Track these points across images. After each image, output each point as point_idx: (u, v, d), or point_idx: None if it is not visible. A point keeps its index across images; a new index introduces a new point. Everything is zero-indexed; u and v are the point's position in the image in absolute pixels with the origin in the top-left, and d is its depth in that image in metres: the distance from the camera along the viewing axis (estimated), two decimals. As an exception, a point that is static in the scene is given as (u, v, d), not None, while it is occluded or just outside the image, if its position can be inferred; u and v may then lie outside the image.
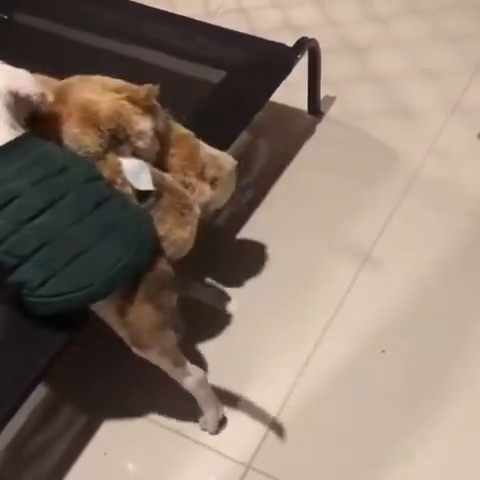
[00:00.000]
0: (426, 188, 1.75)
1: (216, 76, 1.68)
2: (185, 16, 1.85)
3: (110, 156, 1.27)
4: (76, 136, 1.26)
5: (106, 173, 1.26)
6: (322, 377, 1.45)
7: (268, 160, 1.85)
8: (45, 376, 1.25)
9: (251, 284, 1.60)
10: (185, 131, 1.40)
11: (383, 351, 1.47)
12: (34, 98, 1.23)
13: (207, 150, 1.40)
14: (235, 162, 1.42)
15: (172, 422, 1.41)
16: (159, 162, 1.35)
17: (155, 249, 1.23)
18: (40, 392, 1.43)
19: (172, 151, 1.37)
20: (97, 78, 1.33)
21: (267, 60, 1.70)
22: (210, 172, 1.37)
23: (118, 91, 1.30)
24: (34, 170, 1.17)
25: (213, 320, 1.53)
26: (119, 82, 1.33)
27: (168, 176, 1.33)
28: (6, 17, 1.81)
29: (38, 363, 1.22)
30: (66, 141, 1.27)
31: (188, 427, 1.40)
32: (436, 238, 1.65)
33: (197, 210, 1.34)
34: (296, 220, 1.71)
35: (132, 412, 1.43)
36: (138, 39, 1.79)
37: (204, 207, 1.37)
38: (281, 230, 1.69)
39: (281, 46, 1.72)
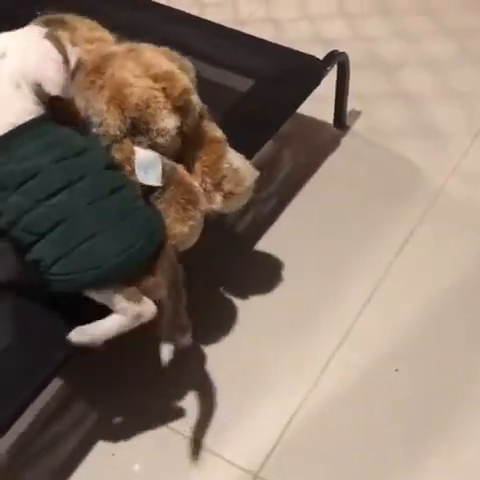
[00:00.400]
0: (448, 208, 1.74)
1: (244, 84, 1.68)
2: (215, 22, 1.85)
3: (126, 141, 1.27)
4: (101, 112, 1.27)
5: (118, 157, 1.26)
6: (334, 390, 1.45)
7: (291, 171, 1.85)
8: (60, 371, 1.25)
9: (265, 295, 1.60)
10: (217, 135, 1.39)
11: (396, 370, 1.47)
12: (58, 87, 1.24)
13: (232, 159, 1.39)
14: (256, 174, 1.41)
15: (182, 426, 1.41)
16: (180, 160, 1.34)
17: (164, 243, 1.24)
18: (53, 386, 1.42)
19: (197, 153, 1.36)
20: (146, 56, 1.33)
21: (296, 71, 1.70)
22: (227, 186, 1.36)
23: (156, 79, 1.28)
24: (54, 150, 1.21)
25: (225, 330, 1.53)
26: (165, 67, 1.32)
27: (180, 168, 1.33)
28: (39, 13, 1.82)
29: (54, 358, 1.23)
30: (91, 111, 1.28)
31: (197, 432, 1.40)
32: (454, 259, 1.65)
33: (203, 206, 1.33)
34: (314, 233, 1.71)
35: (143, 414, 1.43)
36: (167, 42, 1.80)
37: (212, 213, 1.37)
38: (299, 242, 1.68)
39: (311, 58, 1.72)
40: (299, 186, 1.80)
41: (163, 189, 1.28)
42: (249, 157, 1.56)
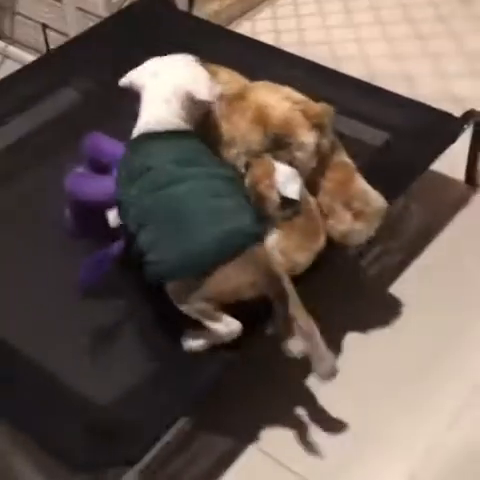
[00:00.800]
0: None
1: (379, 138, 1.70)
2: (351, 75, 1.88)
3: (267, 157, 1.34)
4: (245, 130, 1.35)
5: (258, 172, 1.32)
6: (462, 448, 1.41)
7: (418, 226, 1.84)
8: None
9: (377, 352, 1.57)
10: (347, 160, 1.43)
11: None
12: (207, 104, 1.36)
13: (361, 184, 1.42)
14: (385, 204, 1.43)
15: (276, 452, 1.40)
16: (312, 181, 1.38)
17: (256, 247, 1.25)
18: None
19: (328, 174, 1.40)
20: (282, 89, 1.43)
21: (432, 128, 1.70)
22: (356, 204, 1.40)
23: (295, 102, 1.38)
24: (177, 154, 1.30)
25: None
26: (301, 97, 1.41)
27: (312, 200, 1.36)
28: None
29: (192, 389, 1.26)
30: (235, 132, 1.37)
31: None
32: None
33: (322, 241, 1.36)
34: (436, 295, 1.67)
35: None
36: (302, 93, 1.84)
37: (341, 237, 1.39)
38: (419, 302, 1.65)
39: (448, 115, 1.72)
40: (426, 242, 1.78)
41: (295, 213, 1.33)
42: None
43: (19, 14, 2.30)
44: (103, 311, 1.39)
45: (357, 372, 1.52)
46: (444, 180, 1.91)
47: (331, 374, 1.27)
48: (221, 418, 1.45)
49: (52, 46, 2.24)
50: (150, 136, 1.32)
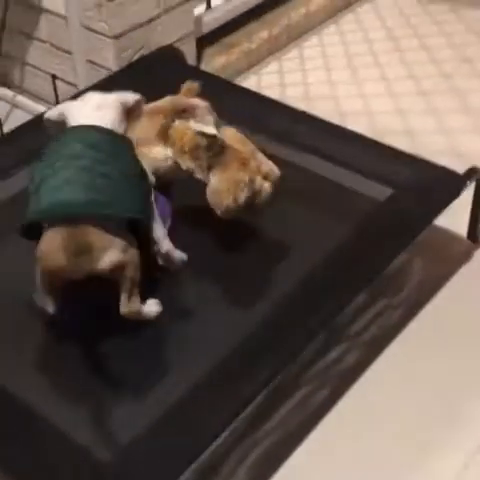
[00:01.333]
0: None
1: (383, 193, 1.72)
2: (355, 131, 1.92)
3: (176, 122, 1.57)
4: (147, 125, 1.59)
5: (176, 131, 1.55)
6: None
7: (421, 281, 1.84)
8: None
9: (379, 404, 1.57)
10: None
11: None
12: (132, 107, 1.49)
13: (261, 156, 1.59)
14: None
15: None
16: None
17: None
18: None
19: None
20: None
21: (435, 184, 1.72)
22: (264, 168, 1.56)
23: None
24: (91, 139, 1.40)
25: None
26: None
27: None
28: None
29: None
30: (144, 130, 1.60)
31: None
32: None
33: (254, 166, 1.53)
34: (438, 349, 1.67)
35: None
36: (307, 148, 1.87)
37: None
38: (426, 352, 1.66)
39: (451, 172, 1.74)
40: (428, 297, 1.78)
41: (219, 149, 1.52)
42: (383, 266, 1.60)
43: (29, 64, 2.35)
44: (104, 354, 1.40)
45: (359, 424, 1.52)
46: (446, 235, 1.92)
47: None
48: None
49: (61, 97, 2.27)
50: (75, 127, 1.44)
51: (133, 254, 1.36)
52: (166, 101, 1.63)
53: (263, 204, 1.57)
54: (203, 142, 1.53)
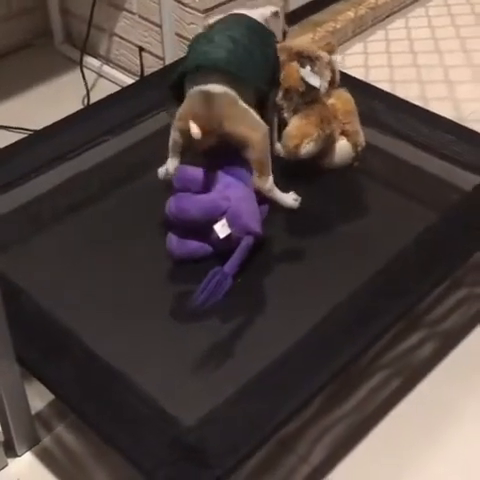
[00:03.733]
0: None
1: (470, 181, 1.69)
2: (449, 118, 1.88)
3: (294, 62, 1.66)
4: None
5: (288, 68, 1.65)
6: None
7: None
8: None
9: (462, 397, 1.56)
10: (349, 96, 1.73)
11: None
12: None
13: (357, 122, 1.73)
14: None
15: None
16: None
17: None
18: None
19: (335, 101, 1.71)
20: None
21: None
22: (347, 127, 1.70)
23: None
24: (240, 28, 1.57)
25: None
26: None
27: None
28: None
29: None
30: None
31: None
32: None
33: (333, 128, 1.65)
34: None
35: None
36: (396, 134, 1.85)
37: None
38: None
39: None
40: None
41: (312, 100, 1.65)
42: (466, 258, 1.59)
43: (117, 35, 2.37)
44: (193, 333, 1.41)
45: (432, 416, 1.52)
46: None
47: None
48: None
49: (147, 70, 2.29)
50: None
51: (263, 132, 1.49)
52: (297, 44, 1.74)
53: (340, 160, 1.71)
54: (302, 88, 1.63)
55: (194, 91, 1.46)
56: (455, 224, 1.61)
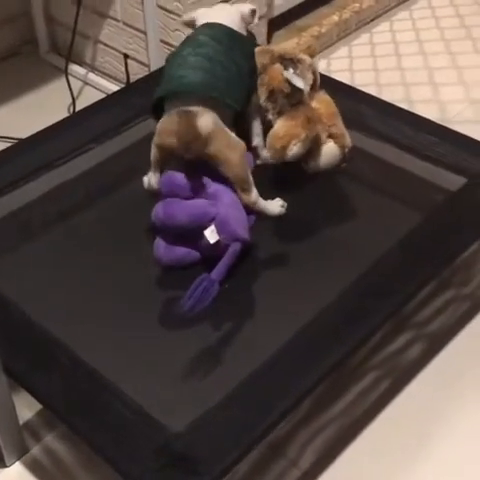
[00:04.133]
0: None
1: (456, 183, 1.70)
2: (434, 120, 1.89)
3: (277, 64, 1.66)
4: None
5: (272, 70, 1.64)
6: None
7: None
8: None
9: (449, 399, 1.56)
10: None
11: None
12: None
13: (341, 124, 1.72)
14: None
15: None
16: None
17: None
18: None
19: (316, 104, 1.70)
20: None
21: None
22: (334, 130, 1.69)
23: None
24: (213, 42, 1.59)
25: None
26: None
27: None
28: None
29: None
30: None
31: None
32: None
33: (318, 129, 1.64)
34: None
35: None
36: (378, 136, 1.85)
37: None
38: None
39: None
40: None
41: (297, 101, 1.64)
42: (452, 259, 1.59)
43: (101, 43, 2.37)
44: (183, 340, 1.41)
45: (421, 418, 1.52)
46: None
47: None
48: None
49: (132, 77, 2.29)
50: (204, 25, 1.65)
51: (240, 151, 1.50)
52: (280, 47, 1.75)
53: (327, 162, 1.70)
54: (287, 89, 1.63)
55: (172, 111, 1.49)
56: (441, 225, 1.61)
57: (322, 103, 1.70)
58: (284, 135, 1.62)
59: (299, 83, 1.63)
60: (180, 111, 1.48)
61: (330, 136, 1.69)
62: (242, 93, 1.59)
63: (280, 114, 1.66)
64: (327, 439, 1.46)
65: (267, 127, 1.68)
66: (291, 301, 1.47)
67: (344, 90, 2.00)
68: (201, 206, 1.47)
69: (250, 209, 1.52)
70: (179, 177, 1.51)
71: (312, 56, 1.72)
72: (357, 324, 1.40)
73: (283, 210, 1.55)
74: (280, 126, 1.64)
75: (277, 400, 1.28)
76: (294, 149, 1.62)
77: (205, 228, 1.45)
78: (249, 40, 1.69)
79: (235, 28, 1.65)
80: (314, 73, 1.69)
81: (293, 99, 1.65)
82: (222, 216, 1.46)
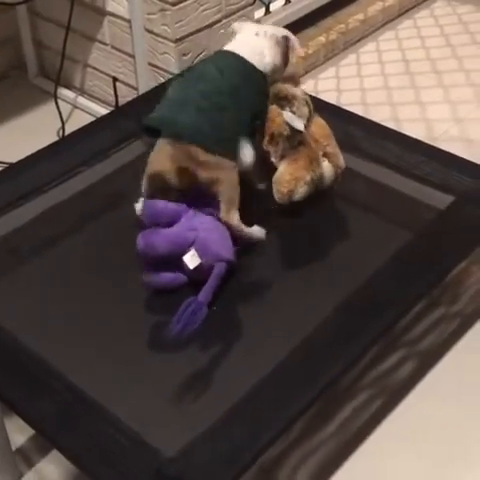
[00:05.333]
0: None
1: (443, 201, 1.71)
2: (420, 139, 1.91)
3: (274, 107, 1.65)
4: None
5: (271, 113, 1.63)
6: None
7: (477, 291, 1.84)
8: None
9: (442, 416, 1.57)
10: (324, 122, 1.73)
11: None
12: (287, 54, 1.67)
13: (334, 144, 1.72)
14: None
15: None
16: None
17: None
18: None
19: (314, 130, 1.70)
20: None
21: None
22: (329, 149, 1.70)
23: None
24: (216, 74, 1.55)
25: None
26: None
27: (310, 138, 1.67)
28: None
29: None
30: None
31: None
32: None
33: (321, 168, 1.65)
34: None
35: None
36: (366, 155, 1.87)
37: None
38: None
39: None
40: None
41: (298, 143, 1.63)
42: (442, 277, 1.60)
43: (90, 66, 2.38)
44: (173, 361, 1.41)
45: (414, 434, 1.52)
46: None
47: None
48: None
49: (121, 100, 2.31)
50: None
51: (230, 169, 1.50)
52: (273, 86, 1.73)
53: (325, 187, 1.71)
54: (287, 132, 1.62)
55: (164, 141, 1.49)
56: (430, 244, 1.62)
57: (315, 124, 1.70)
58: (290, 179, 1.61)
59: (299, 126, 1.62)
60: (171, 143, 1.48)
61: (324, 155, 1.69)
62: (235, 134, 1.53)
63: (282, 157, 1.65)
64: (319, 461, 1.47)
65: (270, 169, 1.66)
66: (281, 322, 1.47)
67: (331, 110, 2.02)
68: (179, 232, 1.47)
69: (234, 235, 1.52)
70: (160, 204, 1.50)
71: (297, 85, 1.73)
72: (348, 344, 1.41)
73: (263, 235, 1.57)
74: (285, 170, 1.62)
75: (269, 422, 1.28)
76: (300, 191, 1.62)
77: (185, 253, 1.45)
78: (263, 77, 1.62)
79: (260, 57, 1.60)
80: (308, 105, 1.68)
81: (294, 140, 1.63)
82: (201, 239, 1.46)
